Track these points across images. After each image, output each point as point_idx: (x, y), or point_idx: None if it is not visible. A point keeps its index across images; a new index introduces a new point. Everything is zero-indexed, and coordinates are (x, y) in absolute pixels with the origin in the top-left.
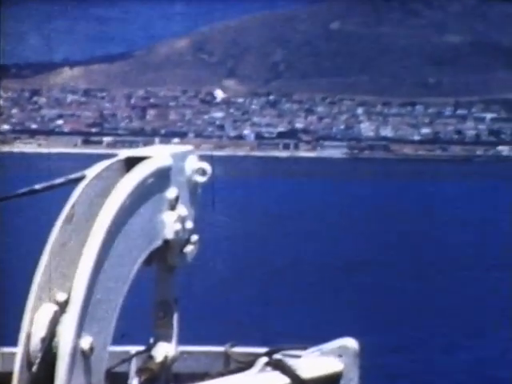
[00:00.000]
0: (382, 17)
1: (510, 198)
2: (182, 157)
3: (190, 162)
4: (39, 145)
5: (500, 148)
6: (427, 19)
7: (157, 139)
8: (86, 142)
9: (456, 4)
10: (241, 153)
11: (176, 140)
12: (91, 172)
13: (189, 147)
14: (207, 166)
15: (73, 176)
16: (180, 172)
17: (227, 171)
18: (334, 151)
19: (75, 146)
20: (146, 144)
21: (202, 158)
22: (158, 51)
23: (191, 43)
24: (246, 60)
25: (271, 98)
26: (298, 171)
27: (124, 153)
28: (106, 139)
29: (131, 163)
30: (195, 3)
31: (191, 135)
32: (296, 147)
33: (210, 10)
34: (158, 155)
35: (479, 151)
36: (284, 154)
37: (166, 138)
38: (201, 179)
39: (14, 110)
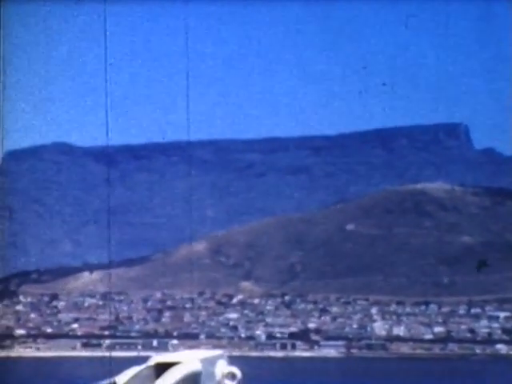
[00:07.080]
0: (396, 218)
1: None
2: (211, 361)
3: (220, 366)
4: (38, 348)
5: (498, 346)
6: (440, 220)
7: (155, 341)
8: (86, 345)
9: (470, 206)
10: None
11: (174, 342)
12: (121, 378)
13: (218, 352)
14: (237, 371)
15: (103, 383)
16: (210, 377)
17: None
18: (331, 350)
19: (73, 348)
20: (144, 346)
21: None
22: (176, 254)
23: (209, 246)
24: (263, 262)
25: (286, 298)
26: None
27: (154, 358)
28: (106, 342)
29: (161, 368)
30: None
31: (202, 337)
32: (293, 347)
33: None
34: (188, 360)
35: (478, 349)
36: (280, 353)
37: (177, 339)
38: None
39: (32, 315)
